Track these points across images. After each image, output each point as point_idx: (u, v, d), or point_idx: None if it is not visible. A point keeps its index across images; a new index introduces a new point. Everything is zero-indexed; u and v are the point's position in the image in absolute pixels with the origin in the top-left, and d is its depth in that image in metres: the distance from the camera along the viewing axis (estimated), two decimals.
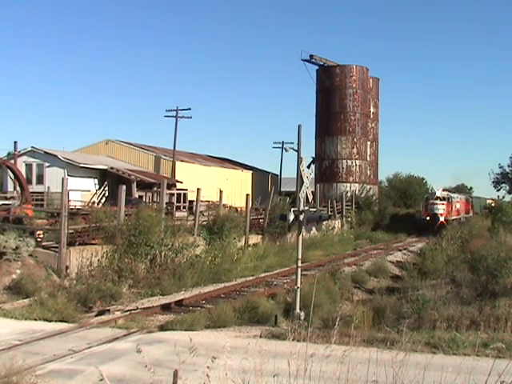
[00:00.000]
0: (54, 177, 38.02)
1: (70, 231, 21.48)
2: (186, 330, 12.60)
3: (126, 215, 23.90)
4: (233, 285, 21.66)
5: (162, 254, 22.45)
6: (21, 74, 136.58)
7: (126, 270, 20.59)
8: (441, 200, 50.90)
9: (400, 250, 33.98)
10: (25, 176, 31.09)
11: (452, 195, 54.67)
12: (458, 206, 55.63)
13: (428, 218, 50.20)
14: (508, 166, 68.97)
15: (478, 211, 66.25)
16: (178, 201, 40.57)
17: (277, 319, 13.70)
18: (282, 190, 59.50)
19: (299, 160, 15.00)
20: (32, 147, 41.74)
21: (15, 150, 40.36)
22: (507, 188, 69.02)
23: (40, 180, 40.59)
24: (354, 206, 50.34)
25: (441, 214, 49.87)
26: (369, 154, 56.99)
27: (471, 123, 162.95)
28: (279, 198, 41.98)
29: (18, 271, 18.70)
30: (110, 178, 41.99)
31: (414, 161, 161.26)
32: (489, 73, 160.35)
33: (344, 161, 54.41)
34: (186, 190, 42.57)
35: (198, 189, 30.55)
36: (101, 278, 19.58)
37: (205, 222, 29.21)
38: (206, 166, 53.30)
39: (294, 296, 14.39)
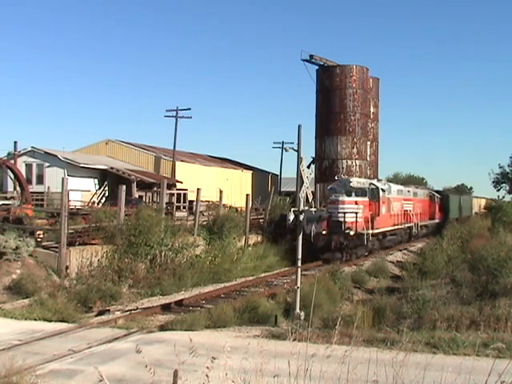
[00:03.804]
0: (53, 177, 38.01)
1: (70, 231, 21.49)
2: (186, 330, 12.60)
3: (126, 215, 23.90)
4: (233, 285, 21.65)
5: (162, 254, 22.45)
6: (21, 74, 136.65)
7: (125, 270, 20.58)
8: (356, 195, 28.85)
9: (400, 250, 33.93)
10: (25, 176, 31.10)
11: (385, 187, 31.92)
12: (404, 207, 34.86)
13: (323, 232, 27.08)
14: (508, 165, 68.96)
15: (457, 215, 51.08)
16: (178, 201, 40.57)
17: (277, 319, 13.70)
18: (282, 189, 59.48)
19: (299, 160, 15.00)
20: (32, 147, 41.74)
21: (15, 150, 40.36)
22: (507, 188, 68.97)
23: (40, 180, 40.58)
24: None
25: (349, 224, 26.95)
26: (369, 153, 56.94)
27: (471, 123, 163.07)
28: (279, 197, 41.94)
29: (18, 271, 18.70)
30: (110, 178, 41.98)
31: (413, 161, 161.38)
32: (489, 73, 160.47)
33: (344, 161, 54.36)
34: (186, 190, 42.57)
35: (198, 189, 30.56)
36: (101, 278, 19.58)
37: (205, 222, 29.22)
38: (206, 165, 53.29)
39: (294, 296, 14.39)
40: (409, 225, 35.95)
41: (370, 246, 29.08)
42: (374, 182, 32.39)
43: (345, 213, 27.28)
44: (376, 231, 29.35)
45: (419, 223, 38.00)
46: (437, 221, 44.64)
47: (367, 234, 27.57)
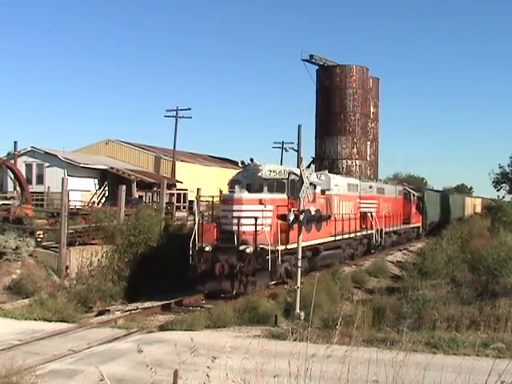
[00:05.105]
0: (53, 177, 38.02)
1: (70, 231, 21.49)
2: (186, 330, 12.60)
3: (126, 215, 23.92)
4: None
5: None
6: (21, 74, 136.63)
7: (125, 269, 20.58)
8: (270, 190, 19.64)
9: (400, 250, 33.90)
10: (25, 176, 31.13)
11: (318, 179, 21.03)
12: (360, 208, 27.17)
13: (206, 248, 18.13)
14: (508, 165, 68.83)
15: (444, 217, 46.93)
16: (178, 201, 40.58)
17: (277, 319, 13.70)
18: None
19: (299, 160, 14.99)
20: (32, 147, 41.77)
21: (15, 150, 40.39)
22: (507, 188, 68.91)
23: (40, 180, 40.60)
24: None
25: (246, 236, 17.88)
26: (369, 153, 56.93)
27: (471, 123, 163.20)
28: None
29: (18, 271, 18.71)
30: (110, 178, 41.99)
31: (413, 161, 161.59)
32: (489, 72, 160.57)
33: (344, 161, 54.36)
34: (186, 190, 42.57)
35: (197, 189, 30.55)
36: (101, 278, 19.59)
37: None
38: (206, 165, 53.29)
39: (294, 296, 14.39)
40: (368, 232, 27.80)
41: (287, 267, 18.82)
42: (296, 170, 18.88)
43: (240, 218, 17.68)
44: (293, 246, 17.17)
45: (385, 229, 29.82)
46: (413, 225, 37.40)
47: (274, 250, 17.26)
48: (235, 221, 17.85)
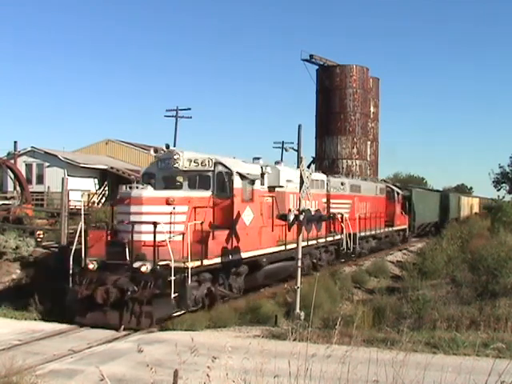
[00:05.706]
0: (53, 177, 38.06)
1: (70, 231, 21.48)
2: (186, 330, 12.59)
3: None
4: None
5: None
6: (21, 74, 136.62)
7: None
8: (190, 185, 15.52)
9: (400, 250, 33.87)
10: (25, 176, 31.16)
11: (257, 171, 16.94)
12: (330, 209, 24.24)
13: (90, 266, 13.57)
14: (508, 165, 68.88)
15: (435, 219, 45.45)
16: None
17: (277, 319, 13.69)
18: None
19: (299, 160, 14.97)
20: (32, 147, 41.82)
21: (15, 150, 40.43)
22: (507, 188, 68.94)
23: (40, 180, 40.65)
24: None
25: (144, 250, 13.42)
26: (369, 153, 56.93)
27: (471, 123, 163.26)
28: None
29: (18, 271, 18.71)
30: (110, 178, 42.01)
31: (413, 161, 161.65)
32: (489, 72, 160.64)
33: (344, 161, 54.36)
34: None
35: None
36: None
37: None
38: None
39: (294, 296, 14.38)
40: (335, 238, 23.77)
41: (211, 287, 14.80)
42: (225, 159, 16.15)
43: (135, 223, 13.65)
44: (215, 260, 14.50)
45: (360, 233, 26.00)
46: (397, 228, 34.06)
47: (182, 268, 13.20)
48: (130, 228, 13.49)
